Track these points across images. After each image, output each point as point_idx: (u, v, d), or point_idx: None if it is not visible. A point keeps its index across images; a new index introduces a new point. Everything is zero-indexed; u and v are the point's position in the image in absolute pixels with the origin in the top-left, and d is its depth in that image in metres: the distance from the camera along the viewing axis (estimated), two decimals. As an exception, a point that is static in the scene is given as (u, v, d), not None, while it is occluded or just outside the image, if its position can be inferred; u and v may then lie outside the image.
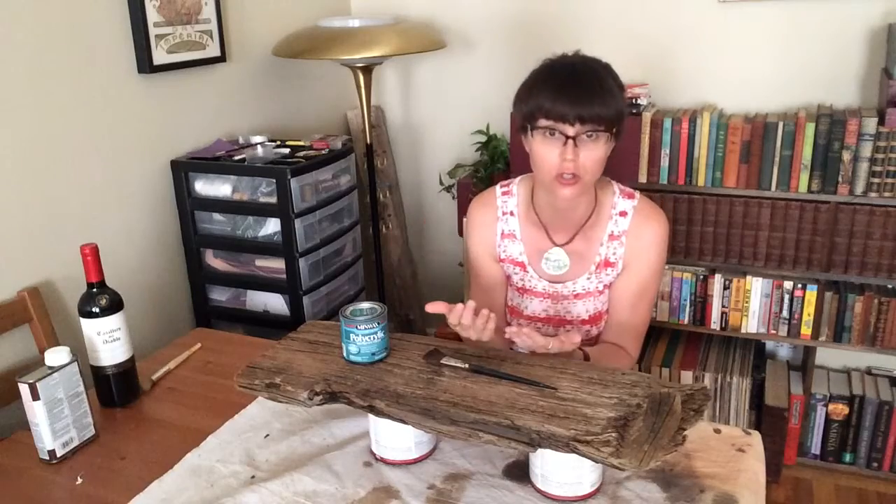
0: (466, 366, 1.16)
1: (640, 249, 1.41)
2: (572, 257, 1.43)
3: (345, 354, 1.21)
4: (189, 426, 1.31)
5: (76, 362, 1.25)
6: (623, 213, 1.42)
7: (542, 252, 1.45)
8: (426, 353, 1.21)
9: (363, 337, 1.18)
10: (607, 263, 1.42)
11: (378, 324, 1.18)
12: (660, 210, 1.44)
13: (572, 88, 1.26)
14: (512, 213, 1.48)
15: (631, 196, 1.43)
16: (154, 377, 1.47)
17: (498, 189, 1.51)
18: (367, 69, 2.34)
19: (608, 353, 1.42)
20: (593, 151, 1.28)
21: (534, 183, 1.44)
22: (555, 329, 1.47)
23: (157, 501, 1.10)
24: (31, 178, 1.67)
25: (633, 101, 2.24)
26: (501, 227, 1.48)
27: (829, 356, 2.41)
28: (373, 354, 1.19)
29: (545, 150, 1.30)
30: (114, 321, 1.35)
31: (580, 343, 1.26)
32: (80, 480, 1.18)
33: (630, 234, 1.41)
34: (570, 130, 1.26)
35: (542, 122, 1.28)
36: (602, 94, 1.26)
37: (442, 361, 1.18)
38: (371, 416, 1.14)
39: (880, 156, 2.01)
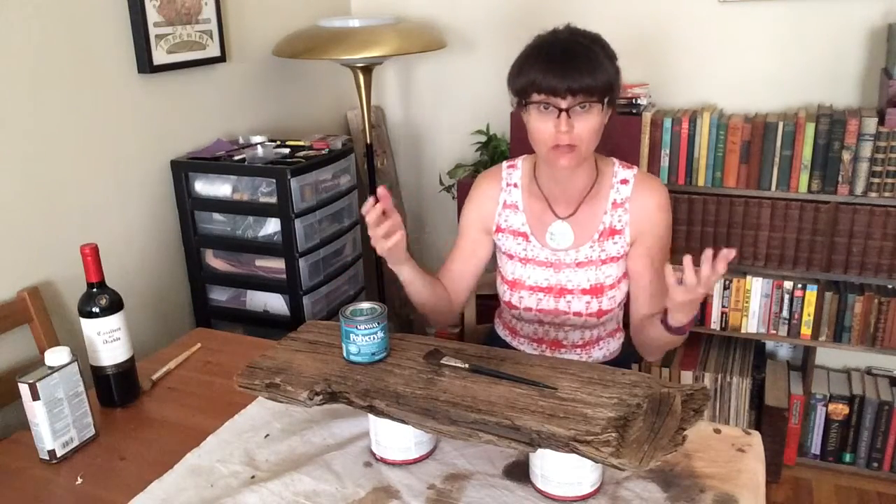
0: (466, 366, 1.16)
1: (648, 216, 1.45)
2: (576, 229, 1.47)
3: (345, 354, 1.21)
4: (189, 426, 1.31)
5: (76, 362, 1.25)
6: (624, 181, 1.46)
7: (545, 225, 1.48)
8: (426, 353, 1.21)
9: (363, 337, 1.18)
10: (612, 231, 1.45)
11: (378, 324, 1.18)
12: (658, 178, 1.50)
13: (562, 62, 1.30)
14: (516, 185, 1.52)
15: (630, 167, 1.48)
16: (154, 377, 1.47)
17: (504, 163, 1.56)
18: (367, 69, 2.34)
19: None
20: (587, 122, 1.32)
21: (536, 158, 1.48)
22: (555, 299, 1.49)
23: (157, 501, 1.10)
24: (32, 178, 1.67)
25: (633, 100, 2.25)
26: (504, 198, 1.53)
27: (829, 356, 2.41)
28: (373, 354, 1.19)
29: (540, 123, 1.34)
30: (114, 321, 1.34)
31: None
32: (80, 480, 1.18)
33: (633, 201, 1.45)
34: (563, 103, 1.30)
35: (535, 97, 1.32)
36: (591, 65, 1.30)
37: (442, 361, 1.18)
38: (371, 416, 1.14)
39: (880, 156, 2.01)
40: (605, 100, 1.32)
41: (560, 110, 1.30)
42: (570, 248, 1.47)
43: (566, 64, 1.29)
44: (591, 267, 1.46)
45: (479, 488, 1.09)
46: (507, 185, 1.53)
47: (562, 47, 1.32)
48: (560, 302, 1.49)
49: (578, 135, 1.32)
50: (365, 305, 1.22)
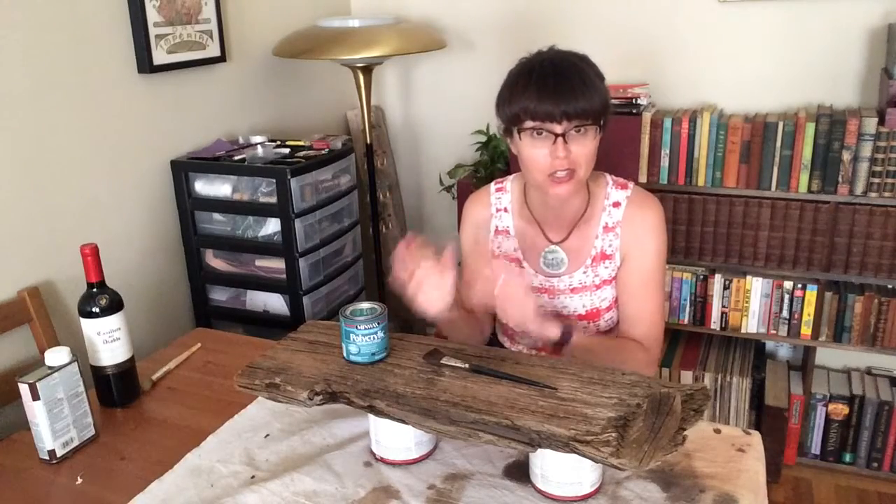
0: (466, 366, 1.16)
1: (637, 238, 1.40)
2: (569, 254, 1.43)
3: (345, 354, 1.21)
4: (189, 426, 1.31)
5: (76, 362, 1.25)
6: (616, 204, 1.41)
7: (538, 249, 1.45)
8: (426, 353, 1.21)
9: (363, 337, 1.18)
10: (604, 256, 1.42)
11: (378, 324, 1.18)
12: (653, 197, 1.43)
13: (555, 86, 1.25)
14: (506, 210, 1.49)
15: (624, 187, 1.43)
16: (154, 377, 1.47)
17: (492, 186, 1.52)
18: (367, 69, 2.34)
19: (615, 346, 1.41)
20: (583, 146, 1.28)
21: (526, 181, 1.44)
22: None
23: (157, 501, 1.10)
24: (32, 179, 1.67)
25: (633, 100, 2.25)
26: (495, 224, 1.49)
27: (829, 356, 2.41)
28: (373, 354, 1.19)
29: (534, 150, 1.29)
30: (114, 321, 1.35)
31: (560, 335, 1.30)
32: (80, 480, 1.18)
33: (624, 223, 1.40)
34: (558, 128, 1.26)
35: (529, 124, 1.28)
36: (584, 87, 1.25)
37: (442, 361, 1.18)
38: (371, 416, 1.14)
39: (880, 156, 2.01)
40: (601, 122, 1.28)
41: (556, 136, 1.26)
42: (563, 274, 1.44)
43: (560, 87, 1.25)
44: (586, 292, 1.43)
45: (479, 488, 1.10)
46: (497, 210, 1.49)
47: (553, 70, 1.27)
48: None
49: (575, 159, 1.28)
50: (365, 305, 1.22)
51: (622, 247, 1.41)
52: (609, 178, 1.45)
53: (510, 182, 1.50)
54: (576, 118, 1.25)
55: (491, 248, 1.50)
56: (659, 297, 1.43)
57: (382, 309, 1.21)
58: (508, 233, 1.48)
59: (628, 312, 1.43)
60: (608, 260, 1.42)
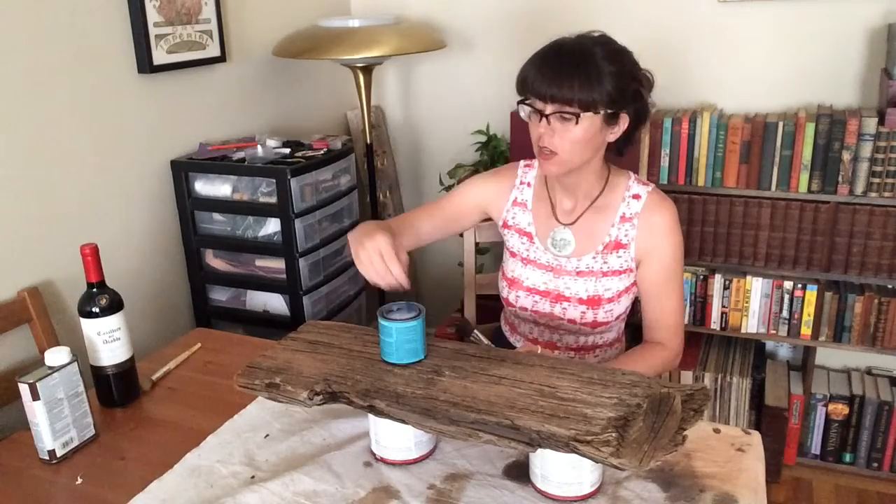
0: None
1: (655, 239, 1.43)
2: (578, 236, 1.46)
3: (382, 356, 1.18)
4: (189, 426, 1.31)
5: (76, 362, 1.25)
6: (636, 196, 1.44)
7: (549, 229, 1.48)
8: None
9: (403, 337, 1.16)
10: (618, 245, 1.44)
11: (416, 321, 1.16)
12: (669, 199, 1.48)
13: (551, 67, 1.30)
14: (528, 185, 1.53)
15: (646, 184, 1.47)
16: (154, 377, 1.47)
17: (522, 162, 1.57)
18: (367, 69, 2.34)
19: (637, 356, 1.44)
20: (567, 132, 1.31)
21: None
22: (552, 304, 1.49)
23: (157, 501, 1.10)
24: (31, 178, 1.67)
25: (633, 101, 2.24)
26: (515, 195, 1.53)
27: (829, 356, 2.41)
28: (416, 352, 1.17)
29: (530, 123, 1.36)
30: (114, 321, 1.34)
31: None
32: (80, 480, 1.18)
33: (642, 218, 1.43)
34: (547, 108, 1.31)
35: (528, 98, 1.34)
36: (581, 76, 1.27)
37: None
38: (371, 416, 1.14)
39: (880, 156, 2.01)
40: (586, 114, 1.29)
41: (542, 115, 1.31)
42: (571, 256, 1.46)
43: (556, 71, 1.29)
44: (591, 278, 1.45)
45: (479, 488, 1.10)
46: (521, 182, 1.53)
47: (563, 53, 1.31)
48: (556, 307, 1.49)
49: (558, 143, 1.32)
50: (402, 304, 1.19)
51: (638, 240, 1.43)
52: (633, 175, 1.48)
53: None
54: (559, 103, 1.29)
55: (505, 218, 1.54)
56: (677, 294, 1.46)
57: (421, 310, 1.18)
58: (526, 206, 1.51)
59: (650, 315, 1.47)
60: (622, 249, 1.44)
